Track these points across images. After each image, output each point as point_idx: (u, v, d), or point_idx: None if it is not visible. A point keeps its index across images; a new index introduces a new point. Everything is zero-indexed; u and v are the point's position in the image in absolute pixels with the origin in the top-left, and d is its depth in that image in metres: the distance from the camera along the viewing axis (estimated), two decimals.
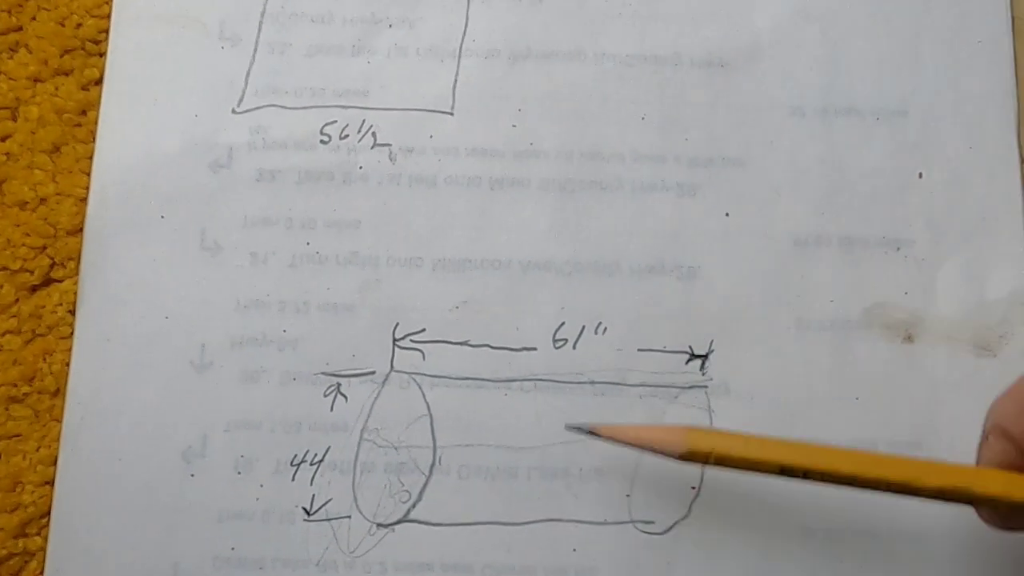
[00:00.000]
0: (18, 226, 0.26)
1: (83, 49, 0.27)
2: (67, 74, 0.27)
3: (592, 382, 0.25)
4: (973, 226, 0.25)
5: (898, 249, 0.25)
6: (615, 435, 0.21)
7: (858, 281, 0.25)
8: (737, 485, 0.24)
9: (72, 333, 0.25)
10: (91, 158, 0.26)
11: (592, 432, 0.22)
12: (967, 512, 0.24)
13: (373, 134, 0.26)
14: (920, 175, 0.26)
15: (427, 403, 0.25)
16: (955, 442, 0.24)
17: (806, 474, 0.20)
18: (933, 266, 0.25)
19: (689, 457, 0.20)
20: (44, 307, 0.25)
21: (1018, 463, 0.20)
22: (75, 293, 0.25)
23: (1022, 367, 0.25)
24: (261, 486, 0.24)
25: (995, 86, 0.26)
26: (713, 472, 0.24)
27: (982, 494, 0.19)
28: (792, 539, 0.24)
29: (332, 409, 0.24)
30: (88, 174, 0.26)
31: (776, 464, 0.20)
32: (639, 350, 0.25)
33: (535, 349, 0.25)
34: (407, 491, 0.24)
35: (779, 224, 0.25)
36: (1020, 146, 0.26)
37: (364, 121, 0.26)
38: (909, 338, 0.25)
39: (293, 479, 0.24)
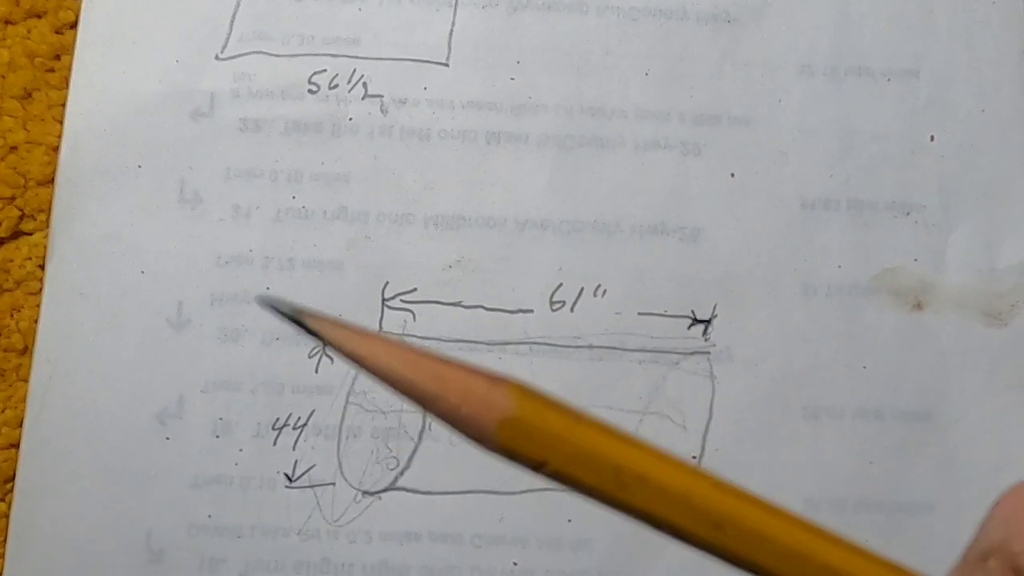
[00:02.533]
0: None
1: None
2: (40, 16, 0.25)
3: (590, 346, 0.24)
4: (985, 191, 0.25)
5: (908, 214, 0.25)
6: (342, 343, 0.11)
7: (867, 246, 0.24)
8: (739, 454, 0.23)
9: (41, 288, 0.24)
10: (64, 105, 0.24)
11: (301, 324, 0.12)
12: (977, 482, 0.23)
13: (364, 84, 0.25)
14: (932, 138, 0.25)
15: None
16: (965, 411, 0.24)
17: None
18: (944, 232, 0.24)
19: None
20: (12, 261, 0.24)
21: None
22: (45, 246, 0.24)
23: None
24: (240, 450, 0.23)
25: (1009, 47, 0.25)
26: (715, 442, 0.23)
27: None
28: (795, 509, 0.23)
29: (317, 371, 0.23)
30: (61, 122, 0.24)
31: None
32: (639, 314, 0.24)
33: (531, 311, 0.24)
34: (395, 457, 0.23)
35: (786, 186, 0.25)
36: None
37: (355, 70, 0.25)
38: (918, 305, 0.24)
39: (274, 443, 0.23)
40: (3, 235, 0.24)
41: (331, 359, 0.23)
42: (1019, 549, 0.12)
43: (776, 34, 0.25)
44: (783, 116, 0.25)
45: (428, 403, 0.11)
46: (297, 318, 0.12)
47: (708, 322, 0.24)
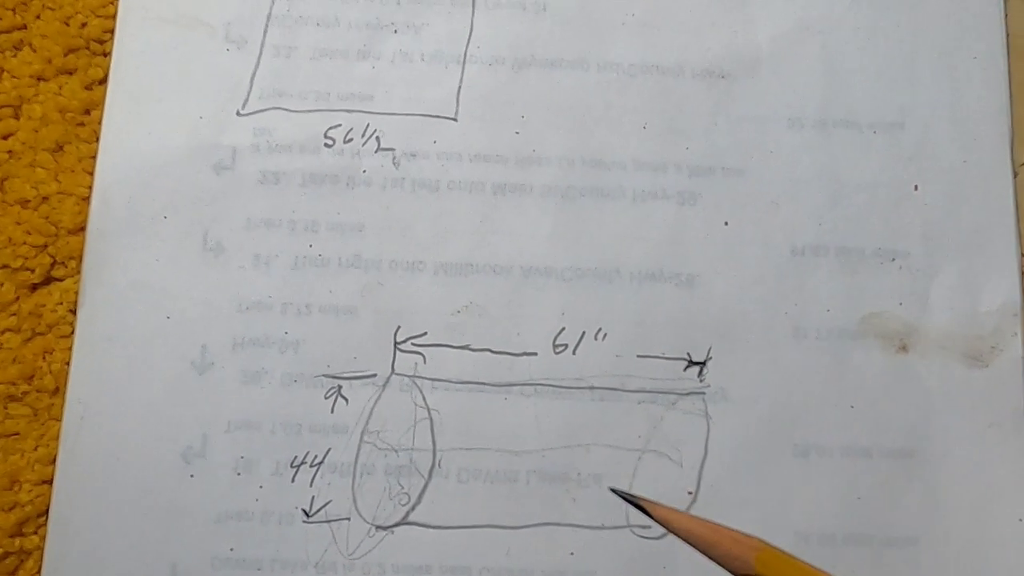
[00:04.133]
0: (19, 224, 0.26)
1: (87, 48, 0.27)
2: (71, 73, 0.27)
3: (591, 387, 0.25)
4: (967, 238, 0.26)
5: (893, 260, 0.26)
6: (670, 521, 0.18)
7: (854, 291, 0.26)
8: (733, 490, 0.24)
9: (72, 332, 0.25)
10: (94, 157, 0.26)
11: (640, 507, 0.18)
12: (960, 518, 0.24)
13: (377, 138, 0.26)
14: (916, 187, 0.26)
15: (428, 406, 0.25)
16: (948, 449, 0.25)
17: None
18: (927, 277, 0.26)
19: None
20: (44, 306, 0.25)
21: None
22: (76, 292, 0.25)
23: (1013, 378, 0.25)
24: (261, 487, 0.24)
25: (990, 101, 0.27)
26: (710, 478, 0.25)
27: None
28: (785, 545, 0.24)
29: (333, 411, 0.25)
30: (91, 173, 0.26)
31: None
32: (638, 356, 0.25)
33: (535, 354, 0.25)
34: (406, 493, 0.24)
35: (777, 233, 0.26)
36: (1014, 160, 0.26)
37: (368, 125, 0.26)
38: (903, 348, 0.25)
39: (293, 480, 0.24)
40: (36, 281, 0.26)
41: (346, 400, 0.25)
42: None
43: (767, 89, 0.27)
44: (774, 167, 0.26)
45: (717, 556, 0.17)
46: (636, 502, 0.18)
47: (703, 364, 0.25)
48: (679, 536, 0.18)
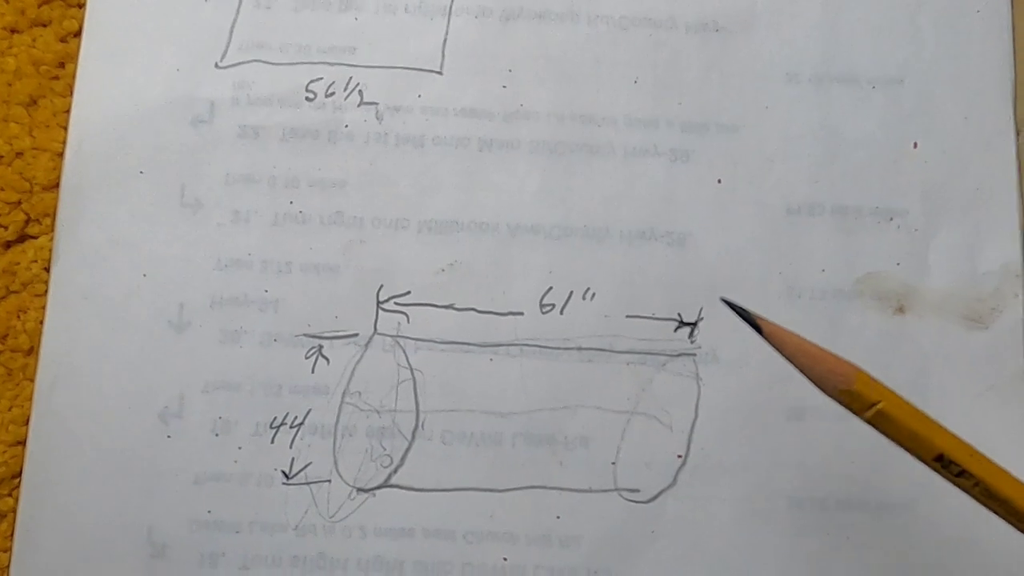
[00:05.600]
0: None
1: (62, 0, 0.26)
2: (45, 25, 0.26)
3: (579, 348, 0.24)
4: (967, 197, 0.25)
5: (891, 219, 0.25)
6: (777, 339, 0.18)
7: (850, 251, 0.25)
8: (724, 454, 0.24)
9: (47, 290, 0.24)
10: (69, 112, 0.25)
11: (754, 324, 0.19)
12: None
13: (360, 92, 0.25)
14: (915, 145, 0.25)
15: (411, 367, 0.24)
16: (946, 412, 0.24)
17: (961, 474, 0.18)
18: (926, 237, 0.25)
19: (847, 398, 0.18)
20: (18, 263, 0.25)
21: None
22: (50, 250, 0.25)
23: (1013, 340, 0.25)
24: (239, 448, 0.24)
25: (992, 57, 0.26)
26: (700, 441, 0.24)
27: None
28: (778, 509, 0.24)
29: (313, 371, 0.24)
30: (65, 128, 0.25)
31: (936, 449, 0.18)
32: (627, 316, 0.24)
33: (522, 314, 0.24)
34: (389, 456, 0.24)
35: (772, 192, 0.25)
36: (1016, 118, 0.26)
37: (351, 79, 0.25)
38: (900, 309, 0.25)
39: (272, 442, 0.24)
40: (10, 238, 0.25)
41: (327, 360, 0.24)
42: None
43: (763, 43, 0.26)
44: (770, 123, 0.25)
45: (820, 372, 0.18)
46: (746, 315, 0.19)
47: (694, 325, 0.24)
48: (784, 353, 0.18)
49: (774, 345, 0.18)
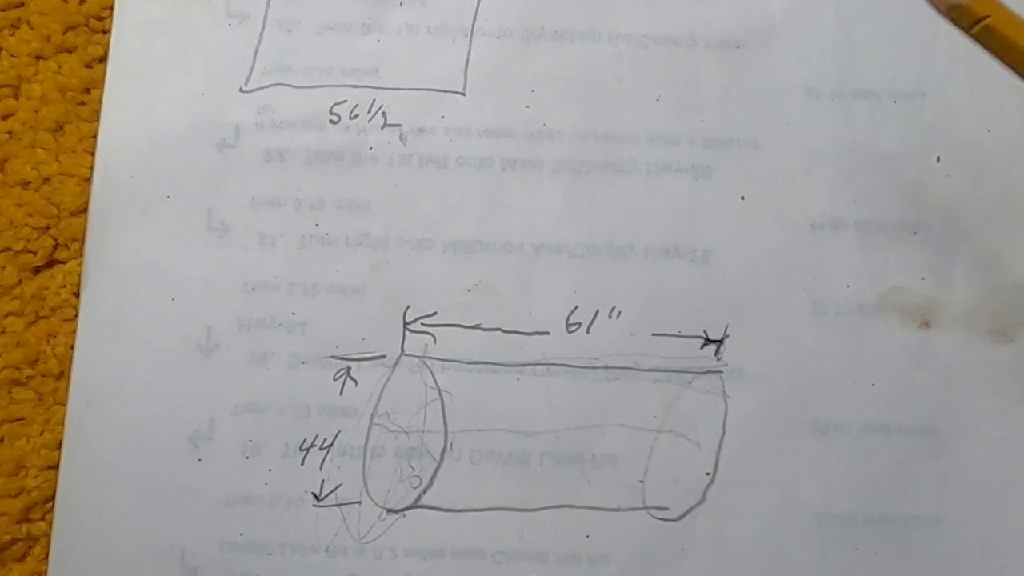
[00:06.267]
0: (20, 206, 0.25)
1: (87, 26, 0.26)
2: (70, 51, 0.26)
3: (606, 367, 0.24)
4: (991, 210, 0.25)
5: (915, 233, 0.25)
6: None
7: (874, 265, 0.25)
8: (752, 471, 0.24)
9: (76, 315, 0.25)
10: (95, 137, 0.25)
11: None
12: (983, 497, 0.24)
13: (383, 114, 0.25)
14: (938, 159, 0.25)
15: (438, 387, 0.24)
16: (972, 427, 0.24)
17: None
18: (950, 251, 0.25)
19: (956, 14, 0.18)
20: (47, 288, 0.25)
21: None
22: (79, 274, 0.25)
23: None
24: (269, 471, 0.24)
25: None
26: (728, 457, 0.24)
27: None
28: (806, 525, 0.24)
29: (342, 393, 0.24)
30: (92, 153, 0.25)
31: None
32: (653, 335, 0.24)
33: (548, 333, 0.24)
34: (418, 476, 0.24)
35: (795, 207, 0.25)
36: None
37: (374, 101, 0.25)
38: (925, 323, 0.25)
39: (302, 464, 0.24)
40: (38, 264, 0.25)
41: (355, 382, 0.24)
42: None
43: (783, 59, 0.26)
44: (791, 139, 0.25)
45: None
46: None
47: (720, 342, 0.25)
48: None
49: None
